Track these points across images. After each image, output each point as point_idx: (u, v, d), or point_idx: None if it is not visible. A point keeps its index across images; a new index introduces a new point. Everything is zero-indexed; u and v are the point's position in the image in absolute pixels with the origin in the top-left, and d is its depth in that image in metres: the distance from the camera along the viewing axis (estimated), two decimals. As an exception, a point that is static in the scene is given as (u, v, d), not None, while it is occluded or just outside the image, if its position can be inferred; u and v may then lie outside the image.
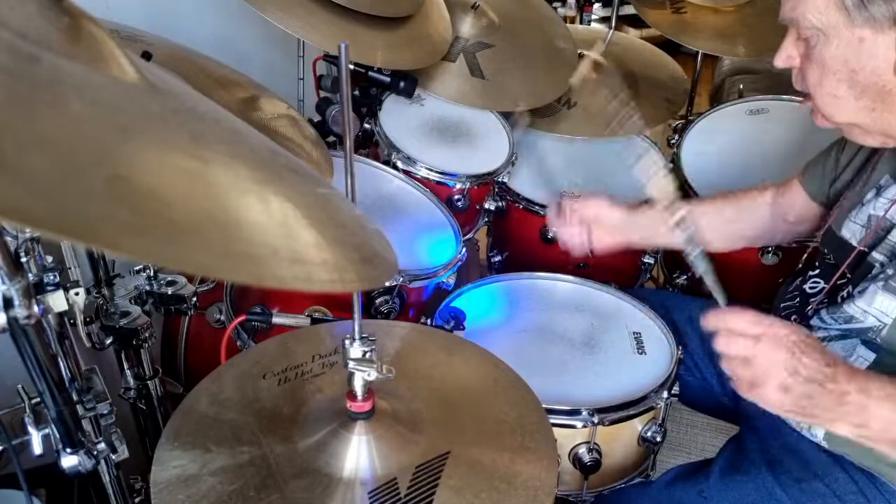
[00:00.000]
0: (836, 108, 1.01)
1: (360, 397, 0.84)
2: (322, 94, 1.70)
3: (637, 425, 1.23)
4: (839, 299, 1.10)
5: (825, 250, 1.19)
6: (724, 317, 0.91)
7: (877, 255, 1.06)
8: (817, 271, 1.20)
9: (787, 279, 1.29)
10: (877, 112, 0.98)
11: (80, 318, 0.88)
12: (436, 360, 1.03)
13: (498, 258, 1.92)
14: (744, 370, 0.90)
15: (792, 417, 0.93)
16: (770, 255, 1.58)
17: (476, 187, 1.68)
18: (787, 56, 1.03)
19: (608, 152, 1.90)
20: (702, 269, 1.02)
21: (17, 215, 0.37)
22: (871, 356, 1.05)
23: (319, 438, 0.86)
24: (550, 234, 1.42)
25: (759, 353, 0.88)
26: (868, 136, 1.03)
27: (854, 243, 1.10)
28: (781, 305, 1.23)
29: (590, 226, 1.35)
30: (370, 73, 1.64)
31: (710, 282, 1.03)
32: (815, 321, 1.13)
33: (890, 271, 1.02)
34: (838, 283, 1.12)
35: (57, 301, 0.73)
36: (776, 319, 0.91)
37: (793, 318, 1.18)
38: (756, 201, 1.36)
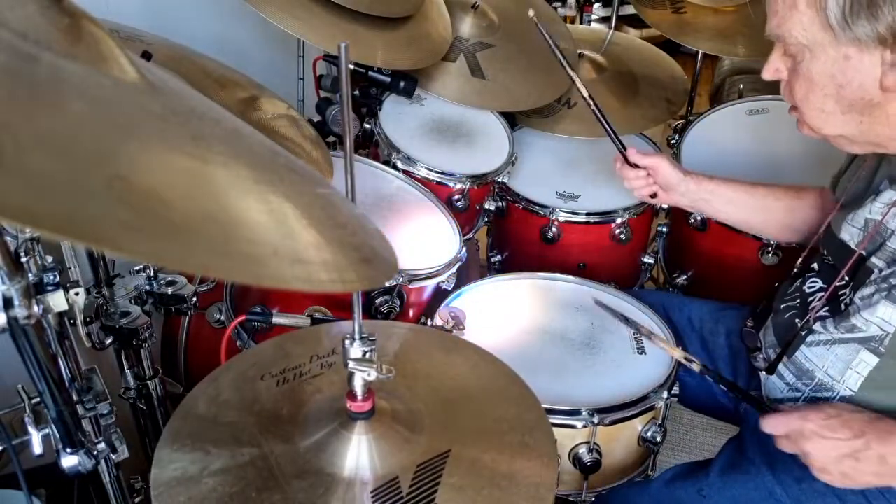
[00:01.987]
0: (824, 122, 1.02)
1: (360, 397, 0.84)
2: (322, 94, 1.70)
3: (637, 425, 1.23)
4: (842, 306, 1.10)
5: (824, 251, 1.19)
6: (770, 422, 1.03)
7: (876, 261, 1.06)
8: (816, 272, 1.20)
9: (784, 281, 1.29)
10: (864, 125, 0.99)
11: (80, 318, 0.88)
12: (436, 360, 1.03)
13: (498, 258, 1.92)
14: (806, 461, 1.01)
15: (855, 487, 1.02)
16: (770, 255, 1.58)
17: (476, 187, 1.68)
18: (774, 69, 1.05)
19: (608, 152, 1.90)
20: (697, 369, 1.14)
21: (17, 215, 0.37)
22: (874, 360, 1.05)
23: (320, 439, 0.86)
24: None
25: (798, 450, 1.00)
26: (855, 145, 1.04)
27: (852, 246, 1.10)
28: (782, 307, 1.23)
29: (655, 176, 1.42)
30: (370, 73, 1.64)
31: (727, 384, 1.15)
32: (817, 326, 1.13)
33: (893, 281, 1.02)
34: (838, 286, 1.12)
35: (57, 301, 0.73)
36: (794, 414, 1.01)
37: (794, 320, 1.18)
38: (817, 198, 1.37)
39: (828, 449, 0.98)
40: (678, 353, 1.15)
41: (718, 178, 1.41)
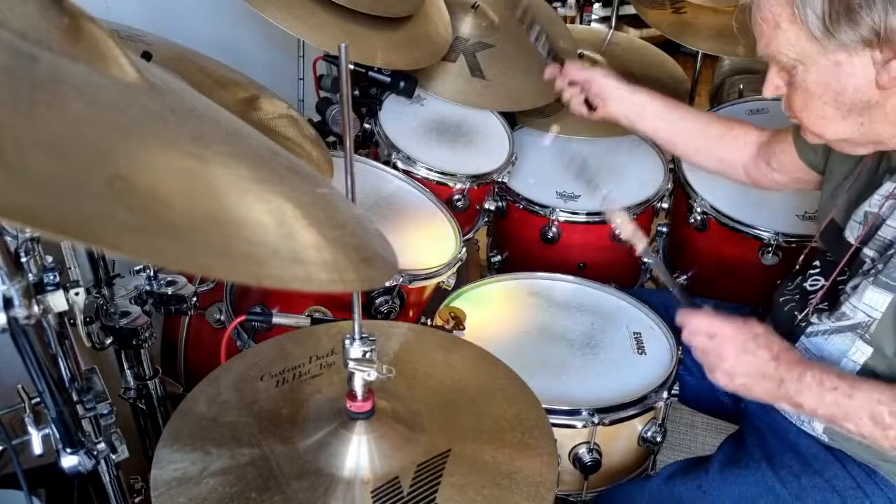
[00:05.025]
0: (825, 128, 1.03)
1: (360, 397, 0.84)
2: (322, 94, 1.70)
3: (637, 425, 1.23)
4: (841, 299, 1.10)
5: (825, 248, 1.20)
6: (689, 316, 1.08)
7: (867, 251, 1.07)
8: (818, 269, 1.20)
9: (786, 278, 1.29)
10: (864, 126, 1.00)
11: (80, 318, 0.88)
12: (435, 359, 1.03)
13: (498, 258, 1.92)
14: (702, 358, 1.08)
15: (740, 393, 1.08)
16: (770, 255, 1.58)
17: (476, 187, 1.68)
18: (773, 86, 1.06)
19: (608, 152, 1.91)
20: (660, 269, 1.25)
21: (17, 215, 0.37)
22: (869, 350, 1.06)
23: (320, 439, 0.86)
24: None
25: (713, 348, 1.06)
26: (859, 147, 1.05)
27: (851, 241, 1.11)
28: (781, 300, 1.23)
29: (589, 89, 1.44)
30: (370, 73, 1.64)
31: (665, 277, 1.25)
32: (815, 319, 1.13)
33: (880, 266, 1.03)
34: (838, 280, 1.12)
35: (57, 301, 0.73)
36: (730, 320, 1.06)
37: (794, 312, 1.18)
38: (747, 134, 1.40)
39: (744, 361, 1.04)
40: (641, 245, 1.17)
41: (653, 92, 1.44)
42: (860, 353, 1.06)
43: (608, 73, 1.44)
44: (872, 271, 1.04)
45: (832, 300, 1.12)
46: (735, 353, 1.04)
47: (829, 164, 1.24)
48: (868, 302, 1.04)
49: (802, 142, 1.29)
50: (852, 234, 1.12)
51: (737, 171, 1.43)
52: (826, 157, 1.25)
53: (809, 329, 1.14)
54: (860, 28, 0.90)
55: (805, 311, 1.15)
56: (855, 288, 1.06)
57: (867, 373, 1.06)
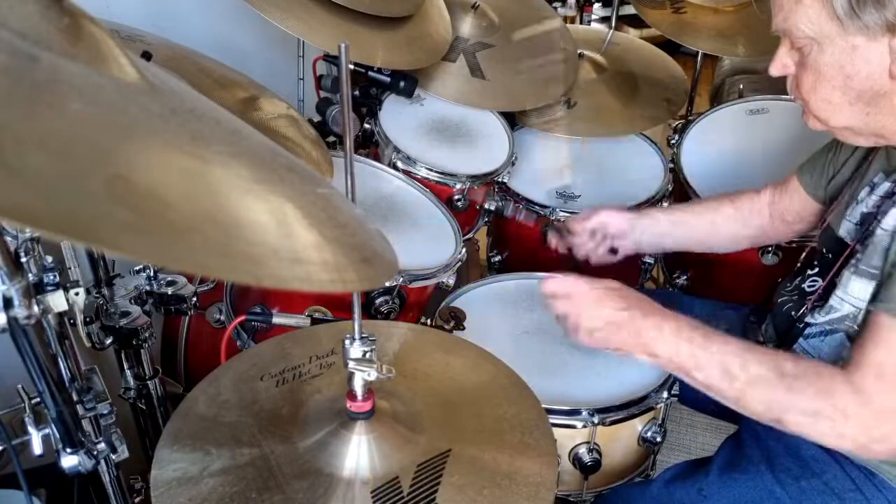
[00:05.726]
0: (831, 113, 1.02)
1: (360, 397, 0.84)
2: (322, 94, 1.70)
3: (637, 425, 1.23)
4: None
5: (823, 249, 1.20)
6: (546, 282, 1.13)
7: (860, 248, 1.06)
8: (816, 270, 1.20)
9: (785, 278, 1.29)
10: (870, 115, 0.99)
11: (80, 318, 0.88)
12: (435, 360, 1.03)
13: (498, 258, 1.92)
14: (565, 322, 1.11)
15: (603, 348, 1.11)
16: (770, 255, 1.58)
17: (476, 187, 1.68)
18: (781, 65, 1.05)
19: (608, 152, 1.90)
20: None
21: (17, 215, 0.37)
22: None
23: (320, 439, 0.86)
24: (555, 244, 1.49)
25: (570, 308, 1.09)
26: (860, 137, 1.05)
27: (849, 241, 1.11)
28: (780, 301, 1.23)
29: (603, 235, 1.41)
30: (370, 73, 1.63)
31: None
32: (809, 319, 1.13)
33: (860, 255, 1.03)
34: (834, 280, 1.12)
35: (57, 301, 0.73)
36: (585, 280, 1.11)
37: (791, 313, 1.18)
38: (755, 202, 1.38)
39: (599, 315, 1.07)
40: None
41: (656, 210, 1.46)
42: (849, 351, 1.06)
43: (613, 208, 1.42)
44: (853, 261, 1.04)
45: (826, 298, 1.12)
46: (590, 307, 1.07)
47: (833, 175, 1.24)
48: (852, 293, 1.04)
49: (807, 178, 1.28)
50: (848, 234, 1.12)
51: (762, 238, 1.43)
52: (830, 175, 1.25)
53: (808, 330, 1.14)
54: (886, 11, 0.89)
55: (801, 311, 1.15)
56: (840, 281, 1.06)
57: None
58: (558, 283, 1.12)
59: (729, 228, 1.40)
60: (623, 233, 1.40)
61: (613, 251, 1.43)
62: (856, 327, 1.04)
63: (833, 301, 1.07)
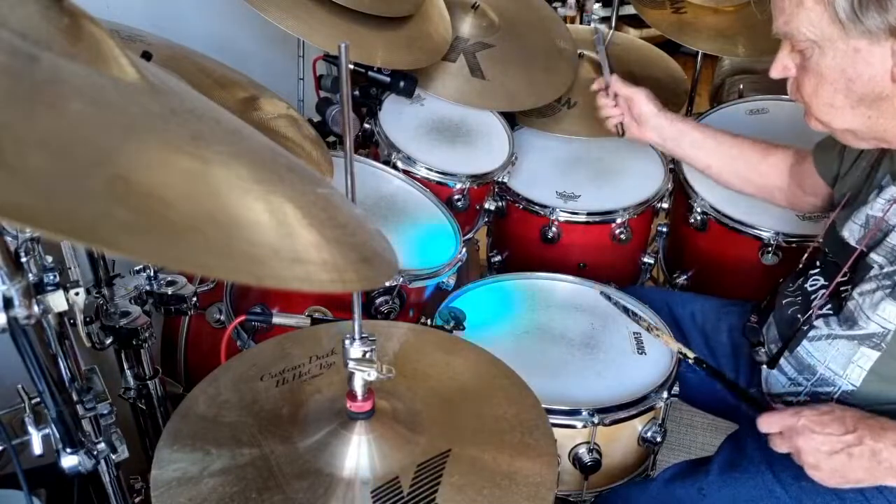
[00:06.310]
0: (833, 116, 1.02)
1: (360, 397, 0.84)
2: (322, 94, 1.70)
3: (637, 425, 1.23)
4: (843, 302, 1.10)
5: (826, 249, 1.20)
6: (762, 420, 1.02)
7: (875, 257, 1.06)
8: (818, 269, 1.20)
9: (787, 278, 1.29)
10: (872, 119, 0.99)
11: (80, 318, 0.88)
12: (436, 360, 1.03)
13: (498, 258, 1.92)
14: (798, 462, 1.00)
15: (846, 487, 0.99)
16: (770, 255, 1.58)
17: (476, 187, 1.68)
18: (782, 67, 1.05)
19: (608, 152, 1.90)
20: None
21: (17, 215, 0.37)
22: (875, 355, 1.05)
23: (320, 439, 0.86)
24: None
25: (790, 447, 0.99)
26: (862, 141, 1.05)
27: (853, 243, 1.11)
28: (784, 302, 1.23)
29: (628, 108, 1.46)
30: (370, 73, 1.63)
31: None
32: (818, 322, 1.13)
33: (887, 272, 1.02)
34: (840, 282, 1.12)
35: (57, 301, 0.73)
36: (793, 411, 0.99)
37: (796, 315, 1.18)
38: (783, 161, 1.39)
39: (819, 444, 0.95)
40: (675, 346, 1.18)
41: (691, 121, 1.45)
42: (866, 358, 1.06)
43: (650, 97, 1.44)
44: (888, 283, 1.03)
45: (835, 304, 1.12)
46: (806, 440, 0.96)
47: (841, 167, 1.24)
48: (882, 314, 1.03)
49: (820, 156, 1.28)
50: (852, 236, 1.11)
51: (775, 197, 1.44)
52: (838, 166, 1.24)
53: (812, 333, 1.14)
54: (889, 14, 0.89)
55: (808, 314, 1.15)
56: (863, 295, 1.06)
57: (874, 376, 1.06)
58: (773, 421, 1.01)
59: (745, 171, 1.42)
60: (643, 117, 1.43)
61: (622, 132, 1.48)
62: (884, 345, 1.04)
63: (858, 318, 1.06)
